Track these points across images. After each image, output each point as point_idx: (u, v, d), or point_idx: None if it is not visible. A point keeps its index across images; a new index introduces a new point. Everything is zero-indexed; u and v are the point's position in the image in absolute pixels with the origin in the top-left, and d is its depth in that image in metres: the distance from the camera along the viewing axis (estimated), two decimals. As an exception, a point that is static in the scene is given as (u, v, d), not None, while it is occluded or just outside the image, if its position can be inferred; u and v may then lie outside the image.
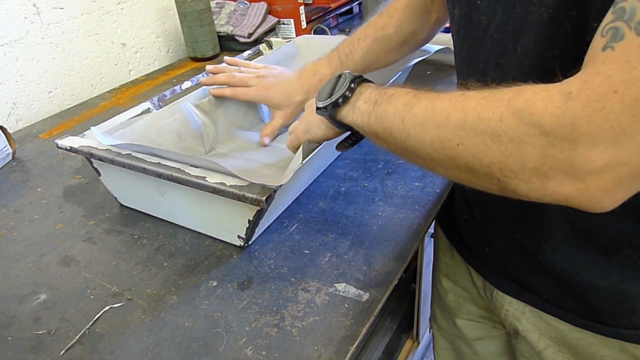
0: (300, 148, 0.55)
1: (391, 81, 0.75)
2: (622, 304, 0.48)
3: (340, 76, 0.50)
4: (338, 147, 0.56)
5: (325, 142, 0.60)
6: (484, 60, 0.47)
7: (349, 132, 0.53)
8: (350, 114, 0.48)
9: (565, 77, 0.32)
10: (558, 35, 0.38)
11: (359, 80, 0.49)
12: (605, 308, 0.49)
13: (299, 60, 0.97)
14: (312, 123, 0.56)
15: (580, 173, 0.31)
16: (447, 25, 0.64)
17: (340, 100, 0.48)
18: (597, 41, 0.31)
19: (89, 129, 0.67)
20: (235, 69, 0.80)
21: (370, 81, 0.50)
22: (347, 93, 0.48)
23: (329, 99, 0.49)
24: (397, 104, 0.42)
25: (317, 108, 0.51)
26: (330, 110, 0.49)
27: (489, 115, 0.34)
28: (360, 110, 0.47)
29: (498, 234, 0.56)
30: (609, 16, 0.31)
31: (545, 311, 0.55)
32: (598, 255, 0.47)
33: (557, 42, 0.38)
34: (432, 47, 0.87)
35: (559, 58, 0.39)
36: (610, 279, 0.48)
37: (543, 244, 0.50)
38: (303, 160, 0.56)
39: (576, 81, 0.31)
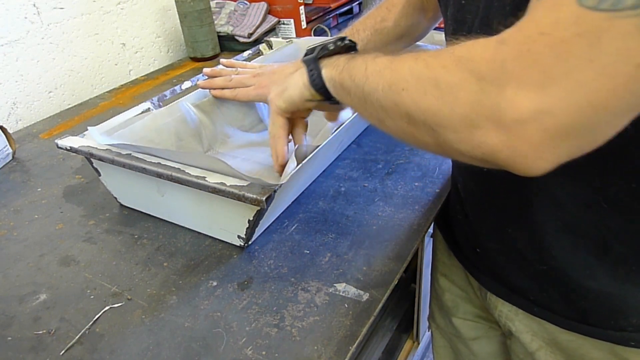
0: (293, 152, 0.55)
1: None
2: (610, 305, 0.48)
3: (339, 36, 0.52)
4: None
5: (326, 143, 0.60)
6: None
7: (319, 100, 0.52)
8: (330, 64, 0.49)
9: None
10: None
11: (353, 44, 0.50)
12: (592, 309, 0.49)
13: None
14: (290, 82, 0.54)
15: (505, 121, 0.30)
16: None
17: (330, 45, 0.49)
18: None
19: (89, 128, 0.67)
20: (232, 70, 0.80)
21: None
22: (339, 42, 0.49)
23: (320, 43, 0.50)
24: (367, 57, 0.43)
25: (306, 53, 0.51)
26: (318, 52, 0.50)
27: (434, 63, 0.35)
28: (339, 62, 0.48)
29: (488, 233, 0.56)
30: None
31: (533, 314, 0.55)
32: (589, 256, 0.47)
33: None
34: (432, 47, 0.87)
35: None
36: (600, 281, 0.48)
37: (535, 238, 0.50)
38: (303, 160, 0.56)
39: (511, 28, 0.31)
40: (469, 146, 0.33)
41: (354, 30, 0.74)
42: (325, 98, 0.51)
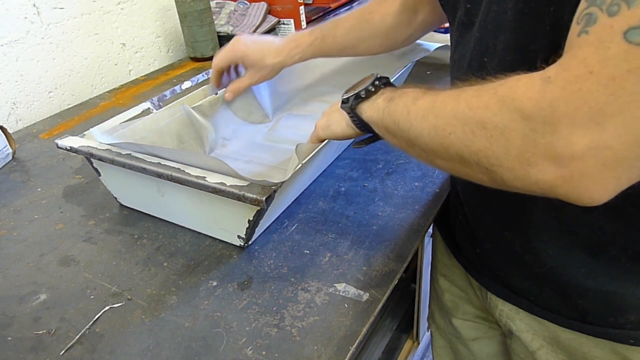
0: (294, 152, 0.55)
1: (392, 80, 0.75)
2: (609, 304, 0.48)
3: (369, 75, 0.52)
4: (355, 144, 0.58)
5: (326, 143, 0.60)
6: (468, 59, 0.48)
7: (367, 135, 0.54)
8: (368, 109, 0.50)
9: (548, 64, 0.32)
10: (539, 30, 0.39)
11: (385, 80, 0.50)
12: (592, 308, 0.49)
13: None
14: (333, 120, 0.57)
15: (563, 158, 0.30)
16: (446, 25, 0.65)
17: (362, 93, 0.50)
18: (574, 29, 0.31)
19: (89, 129, 0.67)
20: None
21: (394, 85, 0.51)
22: (371, 88, 0.49)
23: (353, 92, 0.51)
24: (407, 99, 0.43)
25: (342, 101, 0.52)
26: (352, 102, 0.51)
27: (477, 104, 0.35)
28: (378, 106, 0.48)
29: (487, 234, 0.56)
30: (582, 4, 0.31)
31: (533, 313, 0.55)
32: (585, 255, 0.47)
33: (539, 36, 0.39)
34: (432, 45, 0.87)
35: (541, 52, 0.39)
36: (598, 280, 0.48)
37: (531, 242, 0.51)
38: (303, 160, 0.56)
39: (555, 66, 0.31)
40: (525, 183, 0.33)
41: (341, 18, 0.74)
42: (370, 136, 0.54)
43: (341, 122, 0.55)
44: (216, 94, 0.80)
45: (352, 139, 0.58)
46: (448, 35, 0.59)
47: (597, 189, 0.31)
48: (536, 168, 0.32)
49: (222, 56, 0.77)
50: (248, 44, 0.75)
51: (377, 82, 0.50)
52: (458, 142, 0.36)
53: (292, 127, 0.83)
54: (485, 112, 0.34)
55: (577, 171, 0.30)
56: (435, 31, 1.17)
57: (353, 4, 1.48)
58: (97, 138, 0.64)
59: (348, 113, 0.52)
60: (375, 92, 0.49)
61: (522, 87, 0.32)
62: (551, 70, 0.31)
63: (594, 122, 0.29)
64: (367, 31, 0.74)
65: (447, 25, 0.59)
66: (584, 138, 0.29)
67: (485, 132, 0.34)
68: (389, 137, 0.47)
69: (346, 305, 0.51)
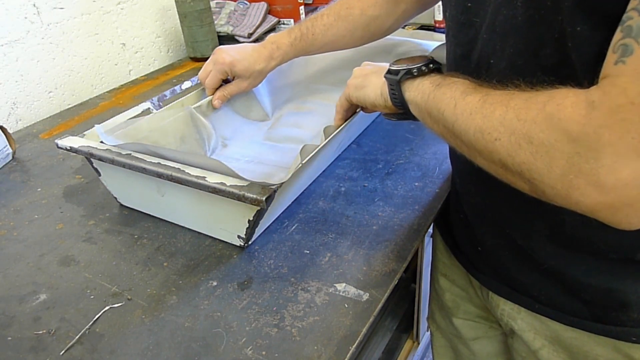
0: (299, 154, 0.55)
1: None
2: (611, 301, 0.48)
3: (422, 55, 0.52)
4: (385, 115, 0.58)
5: (326, 143, 0.60)
6: (474, 60, 0.48)
7: (396, 113, 0.54)
8: (413, 89, 0.49)
9: (556, 70, 0.32)
10: (549, 36, 0.39)
11: (437, 66, 0.50)
12: (594, 302, 0.50)
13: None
14: (370, 83, 0.56)
15: (605, 186, 0.31)
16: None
17: (415, 71, 0.49)
18: (610, 57, 0.32)
19: (89, 128, 0.67)
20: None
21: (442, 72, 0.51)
22: (424, 68, 0.49)
23: (406, 66, 0.50)
24: (456, 90, 0.43)
25: (389, 71, 0.52)
26: (402, 76, 0.50)
27: (526, 116, 0.35)
28: (423, 88, 0.48)
29: (488, 232, 0.56)
30: (618, 34, 0.31)
31: (535, 311, 0.55)
32: (585, 254, 0.48)
33: (548, 42, 0.39)
34: (430, 44, 0.87)
35: (551, 57, 0.40)
36: (599, 278, 0.48)
37: (531, 239, 0.51)
38: (304, 160, 0.56)
39: (597, 91, 0.32)
40: (565, 202, 0.34)
41: (319, 15, 0.74)
42: (400, 112, 0.53)
43: (376, 89, 0.55)
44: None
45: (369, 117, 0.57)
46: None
47: (637, 215, 0.32)
48: (578, 191, 0.32)
49: (212, 76, 0.76)
50: (232, 54, 0.75)
51: (431, 65, 0.50)
52: (503, 150, 0.36)
53: (292, 125, 0.83)
54: (532, 127, 0.34)
55: (618, 199, 0.31)
56: (434, 30, 1.17)
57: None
58: (101, 137, 0.64)
59: (390, 84, 0.52)
60: (425, 74, 0.49)
61: (569, 107, 0.32)
62: (594, 94, 0.32)
63: (637, 152, 0.30)
64: (347, 28, 0.73)
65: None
66: (627, 167, 0.30)
67: (531, 146, 0.34)
68: (430, 123, 0.47)
69: (346, 305, 0.51)
